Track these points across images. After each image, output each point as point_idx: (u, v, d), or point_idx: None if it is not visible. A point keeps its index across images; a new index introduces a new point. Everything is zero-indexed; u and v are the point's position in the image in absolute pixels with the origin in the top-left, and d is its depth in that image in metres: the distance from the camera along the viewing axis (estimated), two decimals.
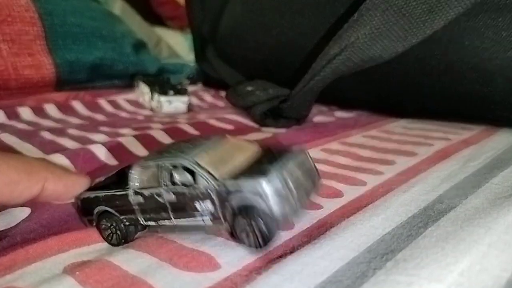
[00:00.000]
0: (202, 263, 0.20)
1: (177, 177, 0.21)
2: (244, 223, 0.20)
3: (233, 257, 0.21)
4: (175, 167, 0.21)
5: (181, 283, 0.19)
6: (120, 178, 0.26)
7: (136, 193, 0.22)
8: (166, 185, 0.21)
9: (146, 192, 0.22)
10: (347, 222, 0.24)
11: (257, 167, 0.20)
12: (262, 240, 0.20)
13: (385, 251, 0.20)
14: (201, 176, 0.20)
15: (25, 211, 0.26)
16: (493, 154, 0.35)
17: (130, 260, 0.21)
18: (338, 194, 0.28)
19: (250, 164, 0.21)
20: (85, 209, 0.24)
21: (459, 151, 0.36)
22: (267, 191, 0.19)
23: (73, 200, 0.25)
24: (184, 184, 0.21)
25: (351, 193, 0.28)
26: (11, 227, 0.24)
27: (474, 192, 0.27)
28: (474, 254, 0.19)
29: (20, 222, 0.25)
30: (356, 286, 0.18)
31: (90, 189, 0.24)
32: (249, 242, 0.20)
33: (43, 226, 0.25)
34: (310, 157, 0.23)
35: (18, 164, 0.21)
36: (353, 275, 0.19)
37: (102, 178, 0.25)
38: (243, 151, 0.22)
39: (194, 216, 0.21)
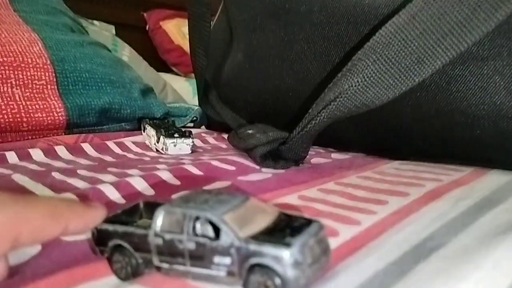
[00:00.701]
0: None
1: (199, 228, 0.22)
2: (258, 282, 0.21)
3: None
4: (198, 218, 0.22)
5: None
6: (134, 213, 0.27)
7: (157, 235, 0.23)
8: (188, 234, 0.22)
9: (167, 236, 0.22)
10: (341, 266, 0.25)
11: (281, 235, 0.21)
12: None
13: (378, 287, 0.21)
14: (226, 234, 0.21)
15: (36, 247, 0.26)
16: (483, 194, 0.36)
17: None
18: (333, 233, 0.29)
19: (271, 229, 0.22)
20: (99, 239, 0.24)
21: (450, 191, 0.37)
22: (287, 261, 0.20)
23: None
24: (205, 237, 0.22)
25: (346, 232, 0.29)
26: (21, 263, 0.25)
27: (464, 231, 0.28)
28: None
29: (30, 258, 0.26)
30: None
31: (106, 220, 0.24)
32: None
33: (53, 262, 0.25)
34: (325, 232, 0.24)
35: (42, 208, 0.21)
36: None
37: (118, 210, 0.26)
38: (265, 214, 0.23)
39: (210, 268, 0.22)
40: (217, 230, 0.22)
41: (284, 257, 0.20)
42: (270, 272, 0.20)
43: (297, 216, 0.24)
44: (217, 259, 0.21)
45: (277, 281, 0.20)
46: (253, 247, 0.20)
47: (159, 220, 0.23)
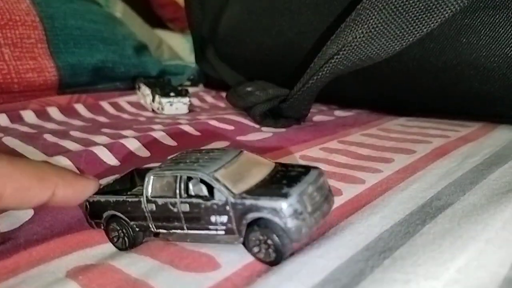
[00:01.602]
0: (203, 264, 0.21)
1: (192, 189, 0.21)
2: (258, 238, 0.20)
3: (234, 257, 0.21)
4: (190, 178, 0.21)
5: (182, 284, 0.19)
6: (127, 182, 0.26)
7: (149, 201, 0.22)
8: (181, 196, 0.21)
9: (160, 201, 0.22)
10: (345, 222, 0.24)
11: (277, 187, 0.20)
12: (275, 256, 0.20)
13: (383, 249, 0.21)
14: (219, 191, 0.20)
15: (28, 213, 0.26)
16: (492, 150, 0.35)
17: (132, 263, 0.21)
18: (337, 192, 0.28)
19: (268, 182, 0.21)
20: (93, 212, 0.24)
21: (457, 148, 0.36)
22: (286, 212, 0.19)
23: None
24: (199, 197, 0.21)
25: (350, 191, 0.28)
26: (14, 229, 0.25)
27: (472, 189, 0.27)
28: (471, 251, 0.20)
29: (23, 224, 0.25)
30: (354, 284, 0.18)
31: (99, 192, 0.24)
32: (261, 257, 0.20)
33: (46, 228, 0.25)
34: (326, 178, 0.23)
35: (29, 170, 0.21)
36: (351, 273, 0.19)
37: (110, 181, 0.25)
38: (260, 167, 0.22)
39: (208, 228, 0.21)
40: (211, 189, 0.21)
41: (282, 209, 0.19)
42: (270, 226, 0.19)
43: (294, 165, 0.23)
44: (213, 218, 0.21)
45: (275, 239, 0.19)
46: (249, 202, 0.20)
47: (150, 185, 0.22)
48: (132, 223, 0.23)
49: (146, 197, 0.22)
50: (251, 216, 0.20)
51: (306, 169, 0.22)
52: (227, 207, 0.20)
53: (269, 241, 0.20)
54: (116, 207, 0.23)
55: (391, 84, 0.46)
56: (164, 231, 0.22)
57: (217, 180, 0.20)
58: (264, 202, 0.19)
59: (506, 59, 0.39)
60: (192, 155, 0.23)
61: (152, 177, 0.22)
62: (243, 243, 0.21)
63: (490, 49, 0.39)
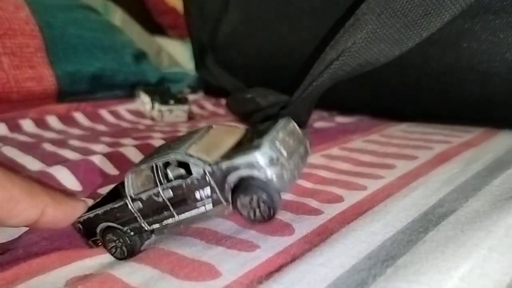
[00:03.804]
0: (203, 273, 0.20)
1: (170, 173, 0.21)
2: (246, 200, 0.20)
3: (234, 265, 0.21)
4: (167, 164, 0.21)
5: None
6: (115, 193, 0.26)
7: (134, 199, 0.22)
8: (162, 184, 0.21)
9: (144, 196, 0.22)
10: (347, 229, 0.24)
11: (249, 144, 0.20)
12: (267, 210, 0.20)
13: (386, 258, 0.20)
14: (195, 165, 0.20)
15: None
16: (494, 156, 0.34)
17: (132, 272, 0.21)
18: (338, 199, 0.28)
19: (241, 143, 0.21)
20: (87, 231, 0.24)
21: (459, 154, 0.35)
22: (262, 162, 0.19)
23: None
24: (178, 178, 0.21)
25: (351, 197, 0.28)
26: (12, 240, 0.25)
27: (475, 195, 0.27)
28: (474, 258, 0.19)
29: (22, 235, 0.25)
30: None
31: (89, 209, 0.24)
32: (255, 217, 0.20)
33: (45, 239, 0.25)
34: (295, 124, 0.23)
35: (21, 184, 0.21)
36: (353, 283, 0.19)
37: (98, 199, 0.25)
38: (232, 134, 0.23)
39: (196, 206, 0.21)
40: (188, 168, 0.21)
41: (257, 160, 0.19)
42: (252, 183, 0.19)
43: (267, 123, 0.23)
44: (197, 194, 0.21)
45: (261, 194, 0.19)
46: (224, 165, 0.20)
47: (130, 184, 0.22)
48: (125, 228, 0.22)
49: (130, 197, 0.22)
50: (231, 178, 0.20)
51: (274, 121, 0.22)
52: (207, 178, 0.20)
53: (257, 199, 0.20)
54: (106, 217, 0.23)
55: (391, 89, 0.46)
56: (158, 225, 0.22)
57: (190, 155, 0.20)
58: (238, 159, 0.19)
59: (506, 63, 0.39)
60: (164, 145, 0.23)
61: (130, 175, 0.22)
62: (237, 212, 0.21)
63: (491, 54, 0.39)
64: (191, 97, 0.65)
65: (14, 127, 0.49)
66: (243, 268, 0.20)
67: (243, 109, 0.47)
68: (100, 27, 0.71)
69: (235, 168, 0.19)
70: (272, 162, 0.19)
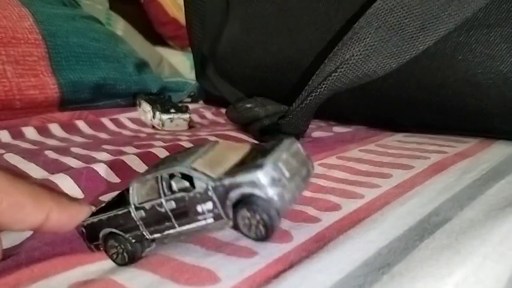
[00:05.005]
0: (203, 278, 0.21)
1: (174, 185, 0.21)
2: (245, 216, 0.20)
3: (233, 271, 0.21)
4: (172, 176, 0.21)
5: None
6: (120, 199, 0.26)
7: (137, 208, 0.22)
8: (165, 195, 0.21)
9: (147, 205, 0.22)
10: (344, 236, 0.24)
11: (252, 162, 0.21)
12: (265, 230, 0.20)
13: (382, 265, 0.21)
14: (199, 179, 0.21)
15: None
16: (489, 166, 0.35)
17: (133, 278, 0.21)
18: (336, 207, 0.28)
19: (244, 161, 0.22)
20: (90, 235, 0.24)
21: (454, 164, 0.36)
22: (264, 181, 0.19)
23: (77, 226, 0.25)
24: (181, 190, 0.21)
25: (348, 206, 0.28)
26: (15, 246, 0.25)
27: (470, 204, 0.27)
28: (469, 266, 0.20)
29: (24, 241, 0.25)
30: None
31: (93, 214, 0.24)
32: (253, 235, 0.21)
33: (47, 244, 0.25)
34: (300, 145, 0.23)
35: (25, 189, 0.21)
36: None
37: (103, 204, 0.25)
38: (237, 150, 0.23)
39: (197, 220, 0.21)
40: (192, 181, 0.21)
41: (259, 179, 0.19)
42: (253, 201, 0.20)
43: (272, 142, 0.23)
44: (199, 208, 0.21)
45: (261, 212, 0.20)
46: (227, 181, 0.20)
47: (135, 193, 0.22)
48: (127, 235, 0.23)
49: (134, 205, 0.22)
50: (233, 195, 0.20)
51: (279, 141, 0.22)
52: (209, 193, 0.20)
53: (257, 216, 0.20)
54: (110, 223, 0.23)
55: (388, 100, 0.47)
56: (159, 235, 0.22)
57: (194, 169, 0.21)
58: (241, 177, 0.20)
59: (501, 75, 0.40)
60: (170, 157, 0.24)
61: (135, 184, 0.22)
62: (235, 228, 0.21)
63: (486, 66, 0.40)
64: (191, 106, 0.65)
65: (17, 134, 0.49)
66: (242, 274, 0.21)
67: (243, 118, 0.47)
68: (103, 37, 0.72)
69: (238, 185, 0.20)
70: (274, 182, 0.19)
